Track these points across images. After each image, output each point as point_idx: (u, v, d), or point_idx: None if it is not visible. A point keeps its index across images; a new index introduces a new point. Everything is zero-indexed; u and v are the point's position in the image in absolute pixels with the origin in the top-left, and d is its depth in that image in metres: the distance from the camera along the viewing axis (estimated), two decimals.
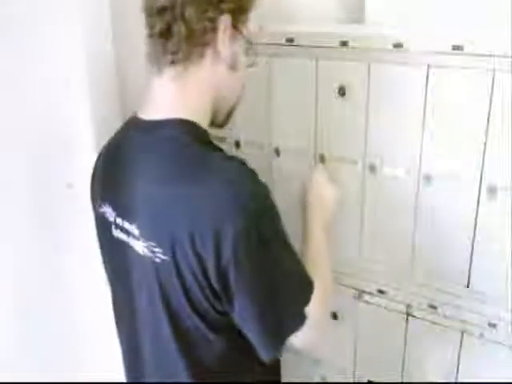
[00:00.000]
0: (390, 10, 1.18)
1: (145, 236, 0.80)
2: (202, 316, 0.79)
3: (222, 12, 0.79)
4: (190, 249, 0.73)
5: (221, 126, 0.94)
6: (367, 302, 1.28)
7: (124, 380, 1.02)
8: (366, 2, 1.21)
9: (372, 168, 1.17)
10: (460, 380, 1.17)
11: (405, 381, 1.27)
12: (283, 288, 0.79)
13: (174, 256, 0.75)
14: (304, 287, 0.84)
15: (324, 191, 1.09)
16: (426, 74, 1.05)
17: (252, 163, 1.39)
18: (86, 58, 1.10)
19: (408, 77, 1.08)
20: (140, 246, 0.81)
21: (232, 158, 0.80)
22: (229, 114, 0.92)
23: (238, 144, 1.38)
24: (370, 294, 1.26)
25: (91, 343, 1.31)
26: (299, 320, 0.82)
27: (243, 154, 1.38)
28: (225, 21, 0.80)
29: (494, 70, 0.97)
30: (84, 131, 1.15)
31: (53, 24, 1.07)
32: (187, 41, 0.79)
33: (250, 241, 0.72)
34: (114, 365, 1.07)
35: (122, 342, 1.00)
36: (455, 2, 1.12)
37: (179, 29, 0.78)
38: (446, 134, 1.07)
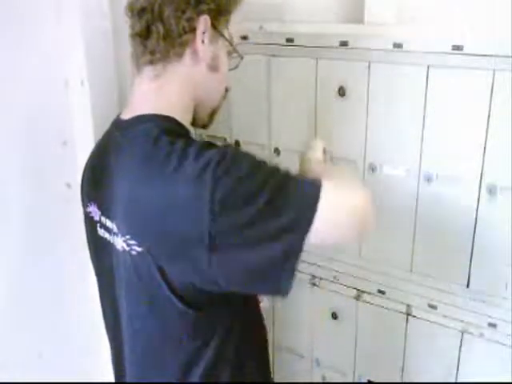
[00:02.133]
0: (389, 10, 1.18)
1: (122, 231, 0.80)
2: (184, 299, 0.78)
3: (200, 13, 0.79)
4: (162, 232, 0.73)
5: (204, 126, 0.94)
6: (367, 302, 1.28)
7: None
8: (366, 2, 1.21)
9: (372, 168, 1.17)
10: (460, 380, 1.17)
11: (405, 381, 1.27)
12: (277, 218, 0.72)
13: (148, 244, 0.76)
14: (305, 195, 0.75)
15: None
16: (426, 74, 1.05)
17: None
18: (86, 58, 1.10)
19: (408, 77, 1.08)
20: (119, 242, 0.81)
21: (200, 146, 0.75)
22: (211, 115, 0.92)
23: (238, 144, 1.38)
24: (369, 294, 1.26)
25: (89, 342, 1.31)
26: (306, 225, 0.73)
27: None
28: (203, 22, 0.79)
29: (493, 70, 0.97)
30: (84, 131, 1.15)
31: (53, 24, 1.07)
32: (165, 41, 0.79)
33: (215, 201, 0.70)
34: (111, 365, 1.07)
35: (109, 340, 1.01)
36: (455, 2, 1.12)
37: (157, 29, 0.78)
38: (446, 133, 1.07)
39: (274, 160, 1.33)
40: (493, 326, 1.09)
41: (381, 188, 1.18)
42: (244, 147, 1.38)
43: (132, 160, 0.79)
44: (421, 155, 1.10)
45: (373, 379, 1.33)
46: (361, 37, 1.11)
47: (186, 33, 0.79)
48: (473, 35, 1.00)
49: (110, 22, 1.12)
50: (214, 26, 0.81)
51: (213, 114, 0.92)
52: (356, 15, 1.26)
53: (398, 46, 1.06)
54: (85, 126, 1.15)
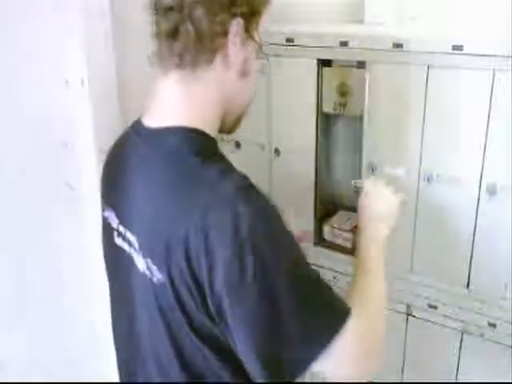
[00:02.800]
0: (389, 10, 1.18)
1: (143, 251, 0.76)
2: (203, 337, 0.73)
3: (233, 16, 0.74)
4: (186, 267, 0.68)
5: (229, 132, 0.88)
6: None
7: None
8: (366, 2, 1.21)
9: (372, 168, 1.17)
10: (460, 380, 1.17)
11: (405, 381, 1.27)
12: (289, 322, 0.69)
13: (170, 273, 0.71)
14: (327, 317, 0.72)
15: (377, 204, 0.99)
16: (426, 74, 1.05)
17: (252, 163, 1.40)
18: (86, 58, 1.09)
19: (408, 77, 1.08)
20: (140, 261, 0.77)
21: (231, 173, 0.72)
22: (237, 121, 0.87)
23: (238, 144, 1.38)
24: None
25: (91, 342, 1.31)
26: (310, 358, 0.70)
27: (243, 153, 1.38)
28: (236, 25, 0.74)
29: (493, 70, 0.97)
30: (84, 131, 1.15)
31: (53, 24, 1.07)
32: (195, 44, 0.74)
33: (244, 270, 0.65)
34: (112, 366, 1.07)
35: (118, 352, 0.95)
36: (455, 2, 1.12)
37: (187, 31, 0.73)
38: (446, 133, 1.07)
39: (274, 160, 1.33)
40: (493, 326, 1.10)
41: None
42: (244, 147, 1.38)
43: (161, 179, 0.75)
44: (421, 155, 1.10)
45: (373, 379, 1.33)
46: (361, 37, 1.11)
47: (217, 37, 0.74)
48: (473, 35, 1.00)
49: (110, 22, 1.12)
50: (246, 29, 0.76)
51: (239, 119, 0.87)
52: (356, 15, 1.26)
53: (397, 46, 1.06)
54: (85, 125, 1.15)
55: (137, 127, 0.84)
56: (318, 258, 1.32)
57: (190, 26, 0.73)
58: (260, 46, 0.80)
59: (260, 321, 0.68)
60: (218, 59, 0.76)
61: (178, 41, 0.74)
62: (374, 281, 0.88)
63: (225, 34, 0.74)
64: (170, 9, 0.73)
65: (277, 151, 1.32)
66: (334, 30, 1.18)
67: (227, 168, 0.73)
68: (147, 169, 0.78)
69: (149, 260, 0.75)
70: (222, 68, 0.77)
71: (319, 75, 1.21)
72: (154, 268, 0.73)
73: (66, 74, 1.12)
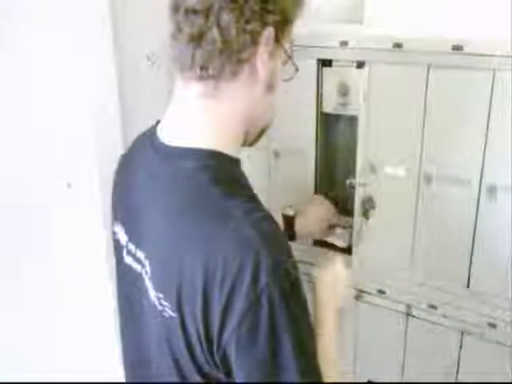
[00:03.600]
0: (389, 10, 1.18)
1: (155, 283, 0.72)
2: (206, 377, 0.70)
3: (265, 25, 0.67)
4: (201, 309, 0.65)
5: (250, 145, 0.82)
6: (367, 302, 1.28)
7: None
8: (366, 2, 1.21)
9: (372, 168, 1.17)
10: (460, 380, 1.17)
11: (405, 381, 1.27)
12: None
13: (181, 313, 0.68)
14: None
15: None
16: (426, 74, 1.05)
17: (252, 163, 1.39)
18: (87, 58, 1.10)
19: (408, 77, 1.08)
20: (151, 291, 0.72)
21: (256, 211, 0.67)
22: (260, 135, 0.81)
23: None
24: (369, 293, 1.26)
25: (89, 346, 1.31)
26: None
27: (243, 154, 1.38)
28: (268, 35, 0.68)
29: (493, 70, 0.97)
30: (84, 131, 1.15)
31: (53, 24, 1.07)
32: (221, 54, 0.66)
33: (258, 323, 0.62)
34: (113, 368, 1.07)
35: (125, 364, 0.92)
36: (455, 2, 1.12)
37: (213, 38, 0.65)
38: (446, 133, 1.07)
39: (273, 161, 1.33)
40: (493, 326, 1.09)
41: (381, 188, 1.18)
42: (244, 148, 1.38)
43: (179, 207, 0.69)
44: (421, 155, 1.10)
45: (373, 379, 1.33)
46: (361, 37, 1.11)
47: (246, 47, 0.67)
48: (473, 35, 1.00)
49: (110, 23, 1.12)
50: (277, 39, 0.70)
51: (262, 133, 0.81)
52: (356, 15, 1.26)
53: (397, 46, 1.06)
54: (85, 125, 1.15)
55: (152, 139, 0.77)
56: (318, 258, 1.32)
57: (216, 33, 0.65)
58: (290, 57, 0.75)
59: (259, 372, 0.65)
60: (245, 71, 0.69)
61: (201, 48, 0.67)
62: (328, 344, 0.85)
63: (254, 44, 0.67)
64: (195, 12, 0.65)
65: (276, 152, 1.32)
66: (334, 30, 1.18)
67: (251, 203, 0.68)
68: (162, 190, 0.72)
69: (161, 295, 0.70)
70: (248, 82, 0.70)
71: (319, 75, 1.21)
72: (166, 304, 0.70)
73: (66, 74, 1.12)
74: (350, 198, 1.25)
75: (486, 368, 1.13)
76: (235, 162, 0.75)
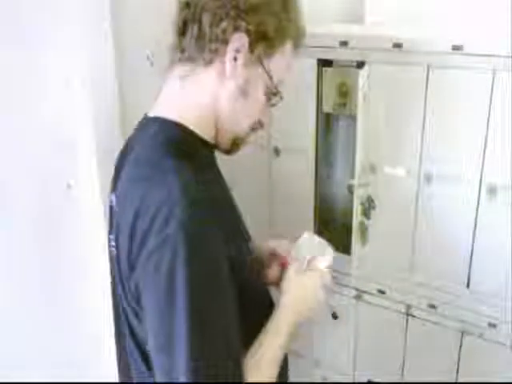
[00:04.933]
0: (389, 10, 1.18)
1: (112, 230, 0.83)
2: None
3: (237, 28, 0.76)
4: (127, 239, 0.73)
5: (226, 152, 0.89)
6: (367, 302, 1.28)
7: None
8: (366, 2, 1.21)
9: (372, 168, 1.17)
10: (460, 380, 1.17)
11: (405, 381, 1.27)
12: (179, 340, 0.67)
13: (117, 244, 0.78)
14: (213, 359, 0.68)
15: (302, 300, 0.91)
16: (426, 74, 1.05)
17: (252, 163, 1.40)
18: (86, 58, 1.09)
19: (408, 77, 1.08)
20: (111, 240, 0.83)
21: (191, 174, 0.73)
22: (234, 143, 0.87)
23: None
24: (370, 294, 1.27)
25: (91, 345, 1.31)
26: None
27: (243, 154, 1.38)
28: (238, 39, 0.76)
29: (493, 70, 0.97)
30: (84, 131, 1.15)
31: (53, 24, 1.07)
32: (196, 42, 0.77)
33: (159, 268, 0.67)
34: (114, 369, 1.07)
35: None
36: (455, 2, 1.12)
37: (192, 29, 0.77)
38: (446, 133, 1.07)
39: (273, 160, 1.33)
40: (493, 326, 1.10)
41: (381, 187, 1.18)
42: (244, 147, 1.38)
43: (133, 163, 0.80)
44: (421, 155, 1.10)
45: (373, 379, 1.33)
46: (361, 37, 1.11)
47: (217, 41, 0.76)
48: (473, 35, 1.00)
49: (110, 22, 1.12)
50: (252, 51, 0.77)
51: (235, 141, 0.87)
52: (356, 15, 1.26)
53: (397, 45, 1.06)
54: (85, 125, 1.15)
55: (142, 117, 0.87)
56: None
57: (195, 26, 0.77)
58: (269, 77, 0.80)
59: (157, 317, 0.69)
60: (217, 65, 0.78)
61: (184, 37, 0.78)
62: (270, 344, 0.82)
63: (224, 41, 0.76)
64: (187, 4, 0.78)
65: (276, 151, 1.33)
66: (334, 30, 1.18)
67: (191, 170, 0.73)
68: (133, 154, 0.82)
69: (111, 236, 0.81)
70: (219, 75, 0.79)
71: (319, 75, 1.21)
72: (112, 239, 0.80)
73: (67, 74, 1.12)
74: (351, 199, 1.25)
75: (486, 368, 1.13)
76: (196, 139, 0.81)
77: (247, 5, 0.75)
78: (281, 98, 0.86)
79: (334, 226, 1.45)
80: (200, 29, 0.76)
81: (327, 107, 1.24)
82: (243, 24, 0.75)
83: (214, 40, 0.76)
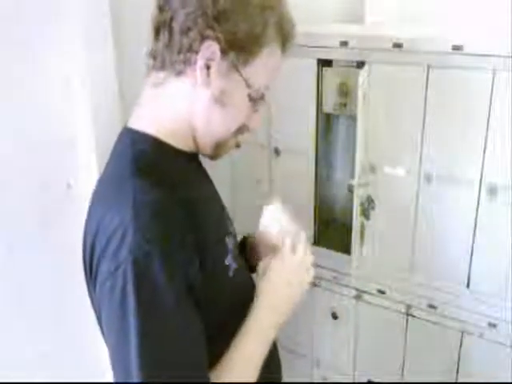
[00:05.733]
0: (389, 10, 1.19)
1: None
2: None
3: (205, 37, 0.72)
4: (89, 256, 0.75)
5: (211, 157, 0.86)
6: (367, 302, 1.28)
7: None
8: (366, 2, 1.21)
9: (372, 168, 1.17)
10: (460, 380, 1.17)
11: (405, 381, 1.27)
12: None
13: (84, 260, 0.80)
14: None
15: (284, 285, 0.87)
16: (426, 74, 1.05)
17: (252, 163, 1.40)
18: (86, 57, 1.10)
19: (408, 77, 1.08)
20: None
21: (150, 193, 0.71)
22: (216, 148, 0.83)
23: (237, 145, 1.38)
24: (370, 294, 1.26)
25: (90, 338, 1.31)
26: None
27: (243, 153, 1.38)
28: (207, 48, 0.72)
29: (493, 70, 0.97)
30: (84, 131, 1.15)
31: (53, 24, 1.07)
32: (167, 50, 0.75)
33: (112, 293, 0.68)
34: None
35: None
36: (455, 2, 1.12)
37: (164, 36, 0.74)
38: (446, 133, 1.07)
39: (273, 160, 1.33)
40: (493, 325, 1.10)
41: (381, 188, 1.18)
42: (244, 147, 1.38)
43: (104, 180, 0.81)
44: (421, 155, 1.10)
45: (373, 379, 1.33)
46: (361, 37, 1.11)
47: (186, 52, 0.73)
48: (473, 35, 1.00)
49: (109, 22, 1.12)
50: (226, 58, 0.74)
51: (218, 147, 0.83)
52: (356, 15, 1.26)
53: (397, 45, 1.06)
54: (85, 125, 1.15)
55: (122, 128, 0.85)
56: (317, 258, 1.32)
57: (166, 32, 0.74)
58: (247, 85, 0.77)
59: (113, 338, 0.71)
60: (190, 74, 0.75)
61: (157, 42, 0.76)
62: (247, 344, 0.81)
63: (193, 50, 0.73)
64: (160, 9, 0.75)
65: (277, 151, 1.33)
66: (334, 29, 1.18)
67: (152, 187, 0.72)
68: (107, 166, 0.82)
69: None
70: (191, 84, 0.76)
71: (319, 75, 1.21)
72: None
73: (67, 74, 1.12)
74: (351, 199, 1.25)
75: (486, 368, 1.13)
76: (169, 152, 0.79)
77: (216, 12, 0.72)
78: (262, 103, 0.83)
79: (334, 226, 1.45)
80: (171, 37, 0.74)
81: (327, 107, 1.24)
82: (210, 32, 0.72)
83: (183, 51, 0.74)
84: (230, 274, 0.81)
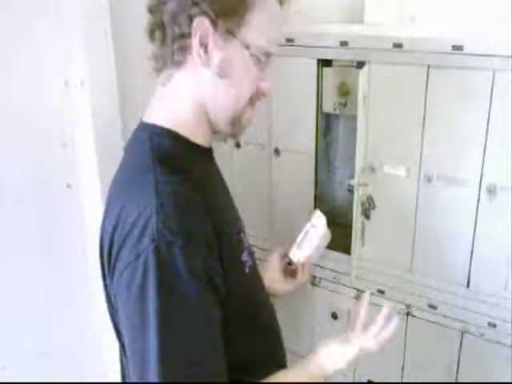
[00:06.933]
0: (389, 10, 1.18)
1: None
2: None
3: (193, 16, 0.72)
4: (108, 248, 0.75)
5: (232, 136, 0.87)
6: (367, 302, 1.27)
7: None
8: (366, 2, 1.21)
9: (372, 168, 1.17)
10: (460, 380, 1.17)
11: (405, 381, 1.27)
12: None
13: (101, 252, 0.79)
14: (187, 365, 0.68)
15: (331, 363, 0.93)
16: (426, 74, 1.05)
17: (252, 163, 1.39)
18: (86, 57, 1.10)
19: (408, 77, 1.08)
20: None
21: (170, 183, 0.72)
22: (234, 124, 0.82)
23: (238, 144, 1.38)
24: (369, 294, 1.26)
25: (91, 338, 1.31)
26: None
27: (243, 153, 1.38)
28: (199, 24, 0.72)
29: (493, 70, 0.97)
30: (84, 131, 1.15)
31: (53, 24, 1.07)
32: (163, 47, 0.77)
33: (132, 282, 0.67)
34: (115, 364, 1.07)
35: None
36: (455, 2, 1.12)
37: (158, 35, 0.76)
38: (446, 133, 1.07)
39: (273, 160, 1.33)
40: (493, 326, 1.09)
41: (381, 187, 1.18)
42: (244, 147, 1.38)
43: (126, 166, 0.81)
44: (421, 155, 1.10)
45: (373, 379, 1.33)
46: (361, 37, 1.11)
47: (180, 38, 0.74)
48: (473, 35, 1.00)
49: (109, 22, 1.12)
50: (218, 29, 0.73)
51: (234, 122, 0.82)
52: (356, 15, 1.26)
53: (397, 46, 1.06)
54: (85, 126, 1.15)
55: (139, 123, 0.87)
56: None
57: (159, 30, 0.76)
58: (246, 47, 0.76)
59: (129, 331, 0.70)
60: (189, 61, 0.76)
61: (153, 44, 0.78)
62: None
63: (186, 35, 0.74)
64: (150, 11, 0.76)
65: (277, 151, 1.32)
66: (334, 30, 1.18)
67: (170, 176, 0.73)
68: (125, 159, 0.83)
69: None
70: (193, 69, 0.77)
71: (319, 75, 1.21)
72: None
73: (66, 74, 1.12)
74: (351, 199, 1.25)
75: (486, 368, 1.13)
76: (186, 145, 0.80)
77: None
78: (267, 62, 0.81)
79: (334, 226, 1.45)
80: (164, 32, 0.75)
81: (327, 107, 1.24)
82: (196, 9, 0.72)
83: (176, 38, 0.74)
84: (247, 270, 0.83)
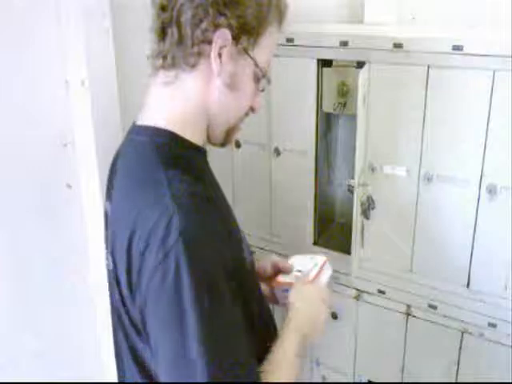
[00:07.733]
0: (389, 10, 1.18)
1: (108, 244, 0.82)
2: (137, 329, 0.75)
3: (218, 26, 0.73)
4: (125, 256, 0.73)
5: (220, 145, 0.87)
6: (367, 302, 1.27)
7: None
8: (366, 2, 1.21)
9: (372, 168, 1.17)
10: (460, 380, 1.17)
11: (405, 381, 1.27)
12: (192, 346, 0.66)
13: (114, 262, 0.77)
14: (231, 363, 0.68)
15: (305, 315, 0.92)
16: (426, 74, 1.05)
17: (252, 163, 1.40)
18: (86, 58, 1.10)
19: (408, 77, 1.08)
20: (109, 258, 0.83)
21: (184, 183, 0.73)
22: (227, 134, 0.85)
23: (238, 144, 1.38)
24: (370, 293, 1.26)
25: (89, 342, 1.31)
26: None
27: (243, 153, 1.38)
28: (221, 36, 0.74)
29: (493, 70, 0.97)
30: (84, 131, 1.15)
31: (53, 24, 1.07)
32: (178, 47, 0.75)
33: (164, 282, 0.66)
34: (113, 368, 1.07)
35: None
36: (455, 3, 1.12)
37: (172, 33, 0.75)
38: (446, 133, 1.07)
39: (274, 160, 1.33)
40: (493, 326, 1.10)
41: (381, 188, 1.18)
42: (244, 147, 1.38)
43: (127, 174, 0.80)
44: (421, 155, 1.10)
45: (373, 379, 1.33)
46: (361, 37, 1.11)
47: (200, 43, 0.74)
48: (473, 35, 1.00)
49: (110, 22, 1.12)
50: (237, 43, 0.75)
51: (229, 132, 0.85)
52: (356, 15, 1.26)
53: (397, 46, 1.06)
54: (85, 126, 1.15)
55: (132, 125, 0.86)
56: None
57: (174, 29, 0.74)
58: (256, 65, 0.79)
59: (170, 339, 0.67)
60: (203, 66, 0.76)
61: (163, 42, 0.76)
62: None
63: (210, 42, 0.74)
64: (163, 8, 0.75)
65: (277, 151, 1.32)
66: (334, 30, 1.18)
67: (183, 177, 0.73)
68: (123, 163, 0.82)
69: (108, 251, 0.80)
70: (205, 74, 0.77)
71: (319, 75, 1.21)
72: (109, 257, 0.79)
73: (66, 74, 1.12)
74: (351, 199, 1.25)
75: (486, 368, 1.13)
76: (187, 146, 0.80)
77: None
78: (268, 81, 0.84)
79: (334, 226, 1.45)
80: (180, 32, 0.74)
81: (327, 107, 1.24)
82: (223, 20, 0.73)
83: (196, 43, 0.74)
84: (248, 267, 0.84)
